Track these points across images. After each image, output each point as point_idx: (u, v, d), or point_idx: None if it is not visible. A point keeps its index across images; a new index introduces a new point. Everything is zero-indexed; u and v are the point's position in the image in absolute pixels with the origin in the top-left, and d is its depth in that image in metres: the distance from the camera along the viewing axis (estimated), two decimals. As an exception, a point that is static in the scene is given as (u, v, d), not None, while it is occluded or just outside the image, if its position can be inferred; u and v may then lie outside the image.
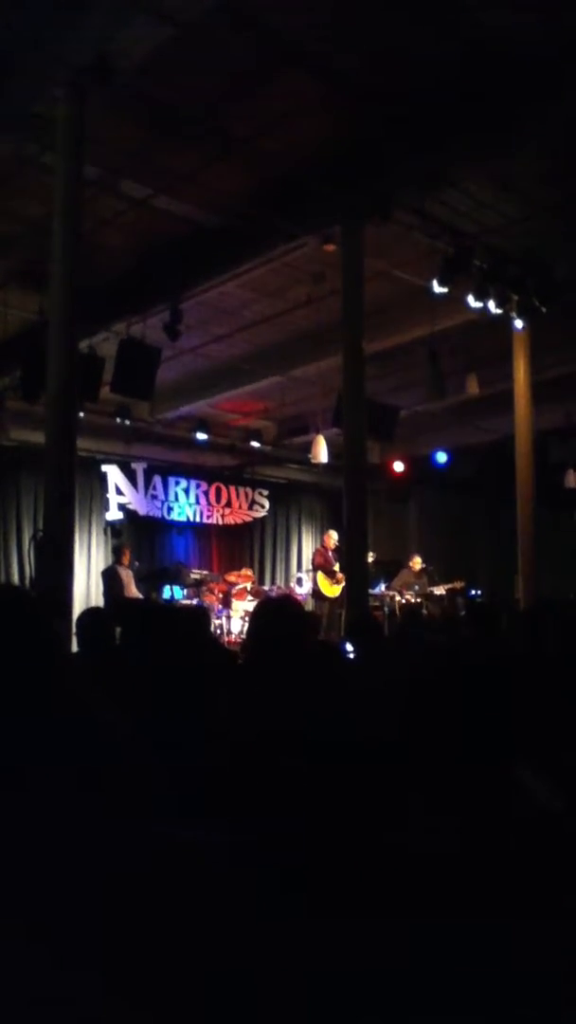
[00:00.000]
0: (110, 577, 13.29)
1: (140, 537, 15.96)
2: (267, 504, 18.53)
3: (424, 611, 13.21)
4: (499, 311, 10.69)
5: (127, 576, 13.05)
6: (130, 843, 1.33)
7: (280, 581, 18.06)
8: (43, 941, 1.20)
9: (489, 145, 8.26)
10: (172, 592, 13.98)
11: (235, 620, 13.32)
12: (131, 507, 16.37)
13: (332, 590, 13.67)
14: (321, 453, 14.10)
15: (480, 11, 6.74)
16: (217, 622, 13.24)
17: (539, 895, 1.33)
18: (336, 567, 13.62)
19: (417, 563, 14.43)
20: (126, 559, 13.24)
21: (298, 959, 1.20)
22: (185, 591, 14.08)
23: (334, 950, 1.21)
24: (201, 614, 7.15)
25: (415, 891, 1.28)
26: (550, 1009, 1.20)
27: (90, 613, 4.96)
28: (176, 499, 17.11)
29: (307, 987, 1.18)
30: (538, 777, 1.73)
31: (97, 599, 14.58)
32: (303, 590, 15.15)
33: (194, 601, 13.61)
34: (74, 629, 4.85)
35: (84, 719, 1.61)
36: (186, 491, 17.29)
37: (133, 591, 12.98)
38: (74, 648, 4.67)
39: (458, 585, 14.10)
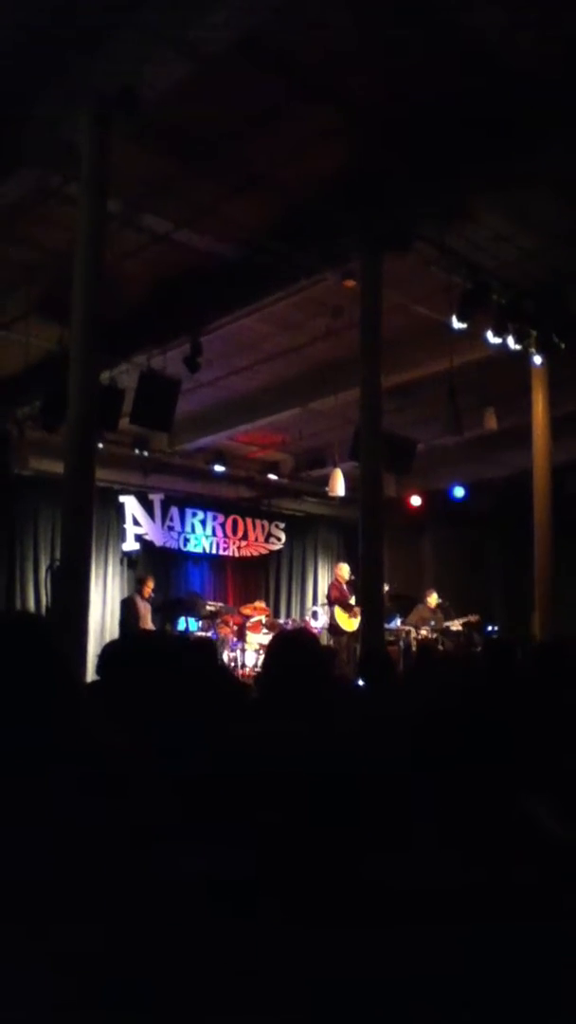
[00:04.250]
0: (127, 608, 13.33)
1: (156, 568, 15.97)
2: (283, 537, 18.52)
3: (440, 647, 13.14)
4: (518, 347, 10.72)
5: (145, 608, 13.08)
6: (131, 859, 1.33)
7: (295, 614, 18.01)
8: (41, 949, 1.19)
9: (505, 174, 8.31)
10: (187, 623, 13.97)
11: (249, 653, 13.29)
12: (148, 538, 16.40)
13: (350, 624, 13.63)
14: (338, 486, 14.13)
15: (499, 41, 6.81)
16: (231, 655, 13.22)
17: (543, 922, 1.32)
18: (352, 600, 13.59)
19: (433, 599, 14.36)
20: (147, 591, 13.27)
21: (294, 972, 1.19)
22: (200, 623, 14.07)
23: (331, 963, 1.20)
24: (206, 646, 7.13)
25: (417, 918, 1.27)
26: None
27: (112, 645, 4.96)
28: (192, 530, 17.14)
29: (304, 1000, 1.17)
30: (547, 808, 1.71)
31: (113, 628, 14.60)
32: (318, 624, 15.11)
33: (209, 633, 13.59)
34: (94, 659, 4.85)
35: (91, 742, 1.62)
36: (203, 522, 17.31)
37: (149, 623, 13.00)
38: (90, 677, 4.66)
39: (474, 619, 14.03)
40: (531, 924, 1.29)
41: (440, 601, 14.38)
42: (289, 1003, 1.17)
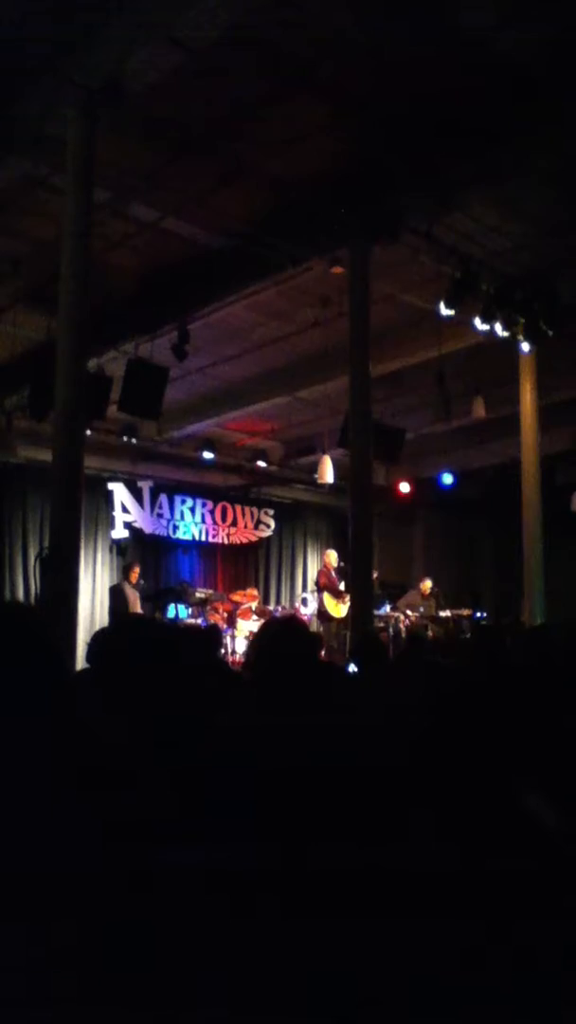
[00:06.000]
0: (115, 595, 13.32)
1: (145, 555, 15.98)
2: (273, 524, 18.53)
3: (428, 632, 13.18)
4: (506, 334, 10.73)
5: (133, 595, 13.06)
6: (129, 853, 1.34)
7: (285, 601, 18.03)
8: (38, 945, 1.20)
9: (495, 166, 8.31)
10: (177, 611, 13.97)
11: (240, 640, 13.30)
12: (137, 525, 16.39)
13: (339, 610, 13.66)
14: (327, 474, 14.14)
15: (486, 32, 6.81)
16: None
17: (539, 916, 1.34)
18: (341, 586, 13.62)
19: (427, 586, 14.43)
20: (134, 578, 13.26)
21: (293, 965, 1.20)
22: (190, 610, 14.07)
23: (330, 956, 1.22)
24: (212, 634, 7.17)
25: (413, 909, 1.29)
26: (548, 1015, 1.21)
27: (103, 632, 4.97)
28: (182, 518, 17.13)
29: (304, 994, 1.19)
30: (545, 800, 1.73)
31: (102, 616, 14.60)
32: (308, 610, 15.13)
33: (199, 620, 13.60)
34: (84, 647, 4.85)
35: (87, 735, 1.63)
36: (192, 510, 17.30)
37: (138, 610, 12.99)
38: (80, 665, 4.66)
39: (466, 613, 14.07)
40: (530, 919, 1.31)
41: (434, 589, 14.43)
42: (288, 995, 1.18)
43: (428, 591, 14.40)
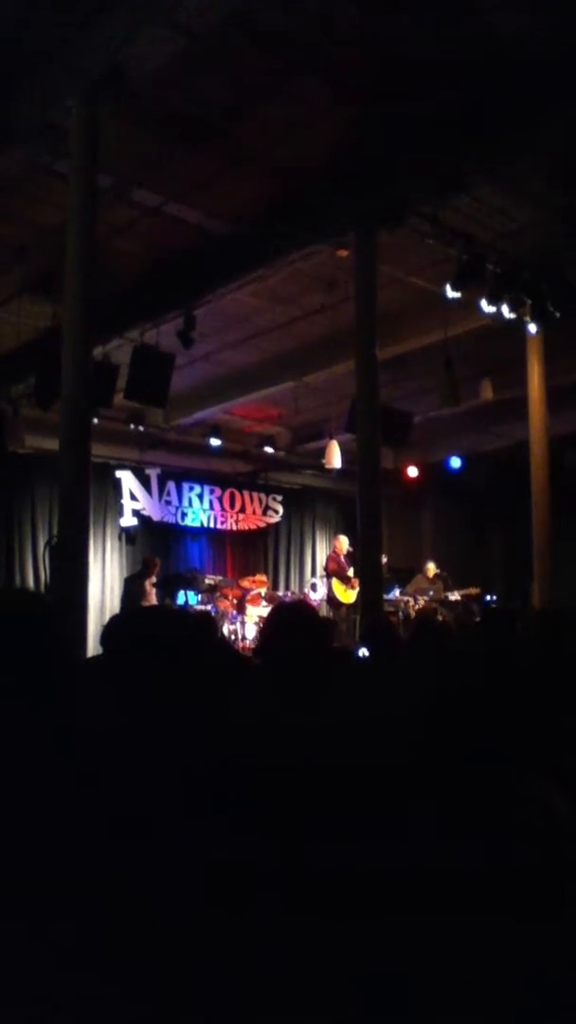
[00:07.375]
0: (134, 589, 13.31)
1: (154, 543, 16.00)
2: (281, 510, 18.52)
3: (439, 616, 13.16)
4: (513, 316, 10.67)
5: (150, 588, 13.10)
6: (129, 842, 1.33)
7: (294, 587, 18.05)
8: (43, 938, 1.20)
9: (501, 150, 8.25)
10: (187, 598, 13.99)
11: (249, 626, 13.32)
12: (145, 513, 16.39)
13: (347, 596, 13.67)
14: (335, 459, 14.11)
15: (490, 14, 6.74)
16: (231, 628, 13.26)
17: (549, 903, 1.33)
18: (350, 572, 13.62)
19: (431, 569, 14.41)
20: (153, 573, 13.27)
21: (299, 960, 1.19)
22: (199, 597, 14.09)
23: (335, 952, 1.21)
24: (206, 619, 7.17)
25: (419, 898, 1.28)
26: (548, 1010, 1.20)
27: (118, 618, 4.97)
28: (190, 505, 17.14)
29: (309, 988, 1.18)
30: (555, 787, 1.72)
31: (112, 605, 14.62)
32: (317, 596, 15.14)
33: (208, 607, 13.61)
34: (95, 635, 4.85)
35: (86, 719, 1.62)
36: (200, 497, 17.30)
37: (152, 603, 12.99)
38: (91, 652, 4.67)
39: (474, 592, 14.05)
40: (533, 916, 1.30)
41: (438, 571, 14.41)
42: (290, 993, 1.18)
43: (433, 574, 14.38)
